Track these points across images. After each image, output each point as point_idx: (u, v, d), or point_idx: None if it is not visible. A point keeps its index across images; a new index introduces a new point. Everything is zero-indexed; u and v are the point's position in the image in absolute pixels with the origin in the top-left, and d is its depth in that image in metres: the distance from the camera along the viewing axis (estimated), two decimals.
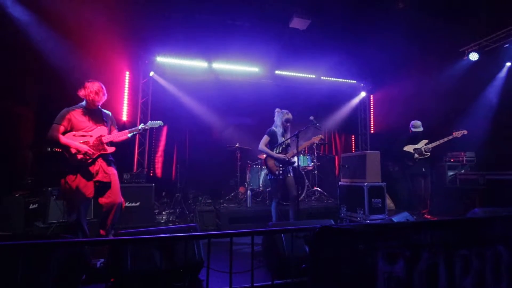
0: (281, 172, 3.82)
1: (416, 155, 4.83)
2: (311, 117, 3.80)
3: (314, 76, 7.24)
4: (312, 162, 5.83)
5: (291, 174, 3.88)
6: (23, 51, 4.49)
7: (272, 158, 3.88)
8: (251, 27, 5.79)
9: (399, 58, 6.18)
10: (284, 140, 3.90)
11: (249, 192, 5.12)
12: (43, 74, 4.75)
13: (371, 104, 8.22)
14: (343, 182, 4.95)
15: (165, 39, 5.83)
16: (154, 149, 6.61)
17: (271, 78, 7.05)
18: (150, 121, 3.25)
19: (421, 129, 4.89)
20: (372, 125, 8.16)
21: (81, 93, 2.87)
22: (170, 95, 6.47)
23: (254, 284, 1.72)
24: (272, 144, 3.92)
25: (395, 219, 2.97)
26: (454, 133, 4.72)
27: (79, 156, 2.77)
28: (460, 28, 5.32)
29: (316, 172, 6.03)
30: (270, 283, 2.08)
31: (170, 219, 4.98)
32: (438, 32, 5.54)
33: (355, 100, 8.10)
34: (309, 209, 5.06)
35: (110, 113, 3.13)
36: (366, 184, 4.36)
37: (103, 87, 2.96)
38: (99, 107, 3.02)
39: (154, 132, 6.56)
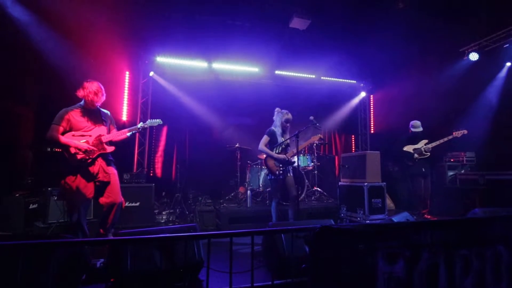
0: (281, 172, 3.82)
1: (415, 155, 4.83)
2: (311, 117, 3.80)
3: (314, 76, 7.24)
4: (312, 162, 5.83)
5: (291, 174, 3.88)
6: (23, 51, 4.49)
7: (272, 158, 3.88)
8: (251, 27, 5.79)
9: (399, 58, 6.18)
10: (283, 140, 3.90)
11: (249, 192, 5.12)
12: (43, 74, 4.75)
13: (371, 104, 8.21)
14: (343, 182, 4.95)
15: (165, 39, 5.83)
16: (154, 149, 6.61)
17: (271, 78, 7.05)
18: (149, 120, 3.25)
19: (420, 129, 4.88)
20: (372, 125, 8.16)
21: (80, 93, 2.86)
22: (170, 95, 6.47)
23: (254, 284, 1.71)
24: (271, 144, 3.92)
25: (395, 219, 2.97)
26: (454, 133, 4.71)
27: (79, 156, 2.77)
28: (460, 28, 5.32)
29: (316, 172, 6.03)
30: (270, 283, 2.08)
31: (170, 219, 4.97)
32: (438, 32, 5.54)
33: (355, 100, 8.10)
34: (309, 209, 5.06)
35: (109, 113, 3.13)
36: (366, 184, 4.36)
37: (102, 87, 2.95)
38: (98, 107, 3.02)
39: (154, 132, 6.56)
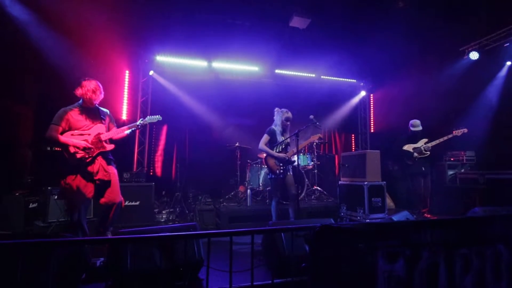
0: (281, 171, 3.82)
1: (415, 154, 4.83)
2: (311, 116, 3.80)
3: (314, 75, 7.24)
4: (312, 161, 5.83)
5: (291, 173, 3.88)
6: (23, 50, 4.49)
7: (272, 157, 3.88)
8: (251, 26, 5.78)
9: (399, 57, 6.17)
10: (283, 139, 3.89)
11: (249, 191, 5.12)
12: (42, 73, 4.74)
13: (371, 103, 8.21)
14: (343, 181, 4.95)
15: (165, 38, 5.82)
16: (154, 148, 6.60)
17: (271, 77, 7.05)
18: (148, 116, 3.25)
19: (420, 128, 4.88)
20: (372, 124, 8.16)
21: (78, 92, 2.85)
22: (170, 94, 6.46)
23: (254, 283, 1.71)
24: (272, 143, 3.92)
25: (395, 218, 2.97)
26: (454, 132, 4.70)
27: (78, 155, 2.77)
28: (460, 27, 5.31)
29: (316, 171, 6.03)
30: (270, 282, 2.08)
31: (170, 218, 4.98)
32: (438, 31, 5.53)
33: (355, 99, 8.10)
34: (309, 208, 5.06)
35: (108, 111, 3.11)
36: (366, 183, 4.36)
37: (100, 85, 2.94)
38: (97, 105, 3.01)
39: (154, 131, 6.55)
